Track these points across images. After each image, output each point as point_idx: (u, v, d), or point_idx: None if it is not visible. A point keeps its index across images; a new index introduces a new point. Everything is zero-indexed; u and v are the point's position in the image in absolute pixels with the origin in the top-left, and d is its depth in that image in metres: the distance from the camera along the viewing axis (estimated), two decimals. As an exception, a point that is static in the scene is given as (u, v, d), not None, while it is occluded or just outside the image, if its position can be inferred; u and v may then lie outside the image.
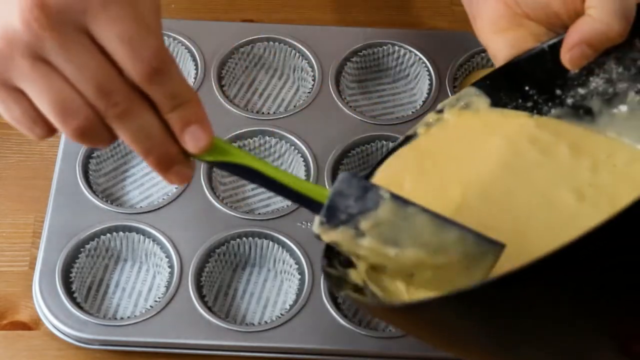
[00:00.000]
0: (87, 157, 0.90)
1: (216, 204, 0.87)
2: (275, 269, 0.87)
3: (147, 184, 0.91)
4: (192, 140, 0.63)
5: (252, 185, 0.91)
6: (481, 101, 0.77)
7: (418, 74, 0.96)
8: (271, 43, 0.96)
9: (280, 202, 0.90)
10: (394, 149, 0.76)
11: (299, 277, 0.84)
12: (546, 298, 0.57)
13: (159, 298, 0.84)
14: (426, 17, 1.02)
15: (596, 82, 0.76)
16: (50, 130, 0.63)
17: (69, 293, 0.83)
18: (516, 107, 0.77)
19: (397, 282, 0.69)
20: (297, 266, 0.85)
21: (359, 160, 0.91)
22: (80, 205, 0.87)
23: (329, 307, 0.83)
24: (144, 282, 0.86)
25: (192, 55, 0.96)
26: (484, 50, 0.95)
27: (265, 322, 0.83)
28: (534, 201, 0.71)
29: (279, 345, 0.82)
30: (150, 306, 0.84)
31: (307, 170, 0.89)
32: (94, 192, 0.88)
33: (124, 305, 0.85)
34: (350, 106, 0.94)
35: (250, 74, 0.97)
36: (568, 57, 0.74)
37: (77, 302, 0.83)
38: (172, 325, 0.82)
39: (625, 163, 0.73)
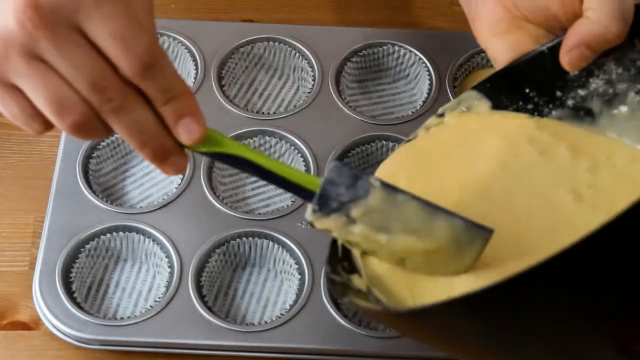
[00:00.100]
0: (87, 157, 0.90)
1: (216, 204, 0.87)
2: (275, 269, 0.87)
3: (147, 184, 0.91)
4: (185, 132, 0.65)
5: (252, 185, 0.91)
6: (482, 104, 0.77)
7: (418, 74, 0.96)
8: (271, 43, 0.96)
9: (280, 202, 0.90)
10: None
11: (299, 277, 0.84)
12: (548, 300, 0.57)
13: (159, 298, 0.84)
14: (426, 17, 1.02)
15: (596, 83, 0.76)
16: (48, 126, 0.65)
17: (69, 293, 0.83)
18: (517, 110, 0.77)
19: (401, 287, 0.69)
20: (297, 266, 0.85)
21: (359, 160, 0.91)
22: (80, 205, 0.87)
23: (329, 307, 0.83)
24: (144, 282, 0.86)
25: (192, 55, 0.96)
26: (484, 51, 0.96)
27: (265, 322, 0.83)
28: (533, 202, 0.71)
29: (279, 345, 0.82)
30: (150, 306, 0.84)
31: (307, 170, 0.89)
32: (94, 192, 0.88)
33: (124, 305, 0.85)
34: (350, 106, 0.94)
35: (250, 74, 0.97)
36: (567, 59, 0.74)
37: (77, 302, 0.83)
38: (172, 325, 0.82)
39: (626, 163, 0.73)
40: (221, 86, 0.95)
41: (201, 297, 0.83)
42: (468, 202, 0.73)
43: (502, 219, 0.70)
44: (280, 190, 0.90)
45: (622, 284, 0.57)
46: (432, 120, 0.78)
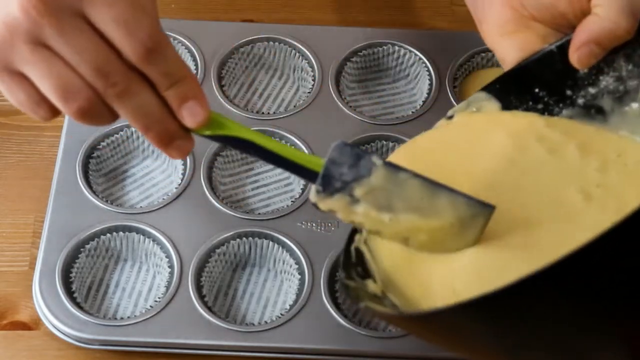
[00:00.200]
0: (87, 157, 0.90)
1: (216, 204, 0.87)
2: (275, 269, 0.87)
3: (147, 184, 0.91)
4: (189, 116, 0.65)
5: (252, 186, 0.91)
6: (492, 105, 0.77)
7: (418, 74, 0.96)
8: (271, 43, 0.96)
9: (280, 202, 0.90)
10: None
11: (299, 277, 0.84)
12: (560, 302, 0.57)
13: (159, 298, 0.84)
14: (426, 17, 1.02)
15: (606, 81, 0.76)
16: (54, 112, 0.65)
17: (69, 293, 0.83)
18: (527, 110, 0.77)
19: (413, 288, 0.69)
20: (297, 266, 0.85)
21: (359, 160, 0.91)
22: (80, 205, 0.87)
23: (329, 307, 0.83)
24: (144, 282, 0.86)
25: (192, 55, 0.96)
26: (484, 50, 0.96)
27: (265, 322, 0.83)
28: (541, 200, 0.71)
29: (279, 345, 0.82)
30: (150, 306, 0.84)
31: (307, 170, 0.89)
32: (94, 192, 0.88)
33: (124, 305, 0.85)
34: (350, 106, 0.94)
35: (250, 74, 0.97)
36: (576, 57, 0.74)
37: (77, 302, 0.83)
38: (172, 325, 0.82)
39: (636, 162, 0.73)
40: (221, 86, 0.95)
41: (201, 297, 0.83)
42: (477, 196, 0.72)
43: (510, 217, 0.70)
44: (281, 190, 0.90)
45: (633, 284, 0.57)
46: (441, 122, 0.78)
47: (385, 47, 0.97)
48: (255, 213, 0.89)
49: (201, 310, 0.82)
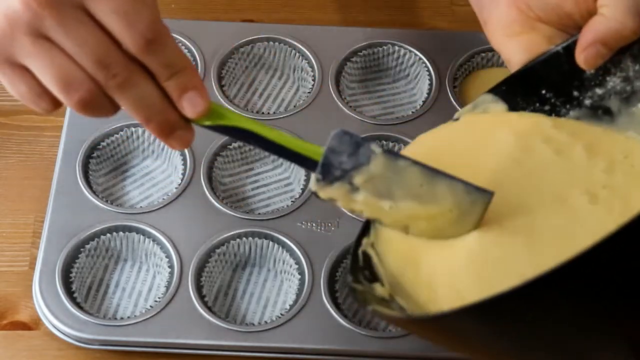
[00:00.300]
0: (87, 157, 0.90)
1: (216, 204, 0.87)
2: (275, 269, 0.87)
3: (147, 184, 0.91)
4: (189, 106, 0.66)
5: (252, 186, 0.91)
6: (498, 107, 0.77)
7: (418, 74, 0.96)
8: (271, 43, 0.97)
9: (280, 202, 0.90)
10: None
11: (299, 277, 0.84)
12: (562, 304, 0.57)
13: (159, 298, 0.84)
14: (426, 17, 1.02)
15: (613, 81, 0.75)
16: (55, 104, 0.66)
17: (69, 293, 0.83)
18: (534, 111, 0.77)
19: (419, 290, 0.69)
20: (297, 266, 0.85)
21: (359, 160, 0.91)
22: (80, 205, 0.87)
23: (329, 307, 0.83)
24: (144, 282, 0.86)
25: (192, 55, 0.96)
26: (484, 50, 0.96)
27: (265, 322, 0.83)
28: (547, 201, 0.71)
29: (279, 345, 0.82)
30: (150, 306, 0.84)
31: (307, 170, 0.89)
32: (94, 192, 0.88)
33: (124, 305, 0.85)
34: (350, 106, 0.94)
35: (250, 74, 0.97)
36: (583, 58, 0.73)
37: (77, 302, 0.83)
38: (172, 325, 0.82)
39: None
40: (221, 86, 0.95)
41: (201, 297, 0.83)
42: None
43: (514, 218, 0.70)
44: (281, 190, 0.90)
45: (635, 285, 0.57)
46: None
47: (385, 47, 0.97)
48: (255, 213, 0.89)
49: (201, 310, 0.82)
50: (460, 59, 0.96)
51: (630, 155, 0.73)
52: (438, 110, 0.91)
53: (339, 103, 0.93)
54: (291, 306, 0.83)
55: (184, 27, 0.97)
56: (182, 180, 0.89)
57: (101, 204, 0.87)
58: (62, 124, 0.92)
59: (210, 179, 0.89)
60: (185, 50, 0.96)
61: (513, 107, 0.77)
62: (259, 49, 0.97)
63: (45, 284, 0.83)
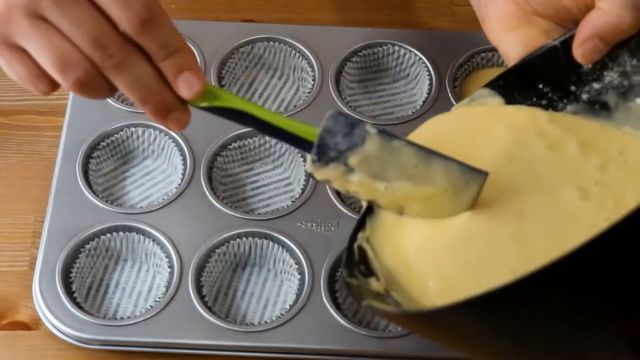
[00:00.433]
0: (87, 157, 0.90)
1: (216, 204, 0.87)
2: (275, 269, 0.87)
3: (147, 184, 0.91)
4: (185, 87, 0.66)
5: (252, 186, 0.91)
6: (495, 101, 0.77)
7: (418, 74, 0.96)
8: (271, 43, 0.97)
9: (280, 202, 0.90)
10: None
11: (299, 277, 0.84)
12: (555, 301, 0.57)
13: (159, 298, 0.84)
14: (426, 17, 1.02)
15: (611, 76, 0.75)
16: (53, 86, 0.66)
17: (69, 293, 0.83)
18: (531, 106, 0.77)
19: (414, 284, 0.69)
20: (297, 266, 0.85)
21: (359, 160, 0.91)
22: (80, 205, 0.87)
23: (329, 307, 0.83)
24: (144, 282, 0.86)
25: (192, 55, 0.95)
26: (484, 50, 0.96)
27: (265, 322, 0.83)
28: (538, 196, 0.71)
29: (279, 345, 0.82)
30: (150, 306, 0.84)
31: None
32: (94, 192, 0.88)
33: (124, 305, 0.85)
34: (350, 106, 0.94)
35: (250, 74, 0.97)
36: (580, 52, 0.73)
37: (77, 302, 0.83)
38: (172, 325, 0.82)
39: (638, 160, 0.72)
40: (221, 86, 0.95)
41: (201, 297, 0.83)
42: None
43: (504, 214, 0.70)
44: (281, 190, 0.90)
45: (629, 282, 0.57)
46: None
47: (385, 47, 0.97)
48: (255, 213, 0.89)
49: (201, 310, 0.82)
50: (460, 59, 0.96)
51: (625, 152, 0.73)
52: (438, 110, 0.91)
53: (339, 103, 0.93)
54: (291, 306, 0.83)
55: (184, 27, 0.96)
56: (182, 180, 0.89)
57: (101, 204, 0.87)
58: (62, 124, 0.92)
59: (210, 179, 0.89)
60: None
61: (510, 101, 0.77)
62: (259, 49, 0.97)
63: (45, 284, 0.83)
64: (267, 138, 0.91)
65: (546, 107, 0.77)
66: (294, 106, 0.94)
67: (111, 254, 0.87)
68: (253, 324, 0.83)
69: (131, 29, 0.64)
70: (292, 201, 0.89)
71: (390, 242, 0.71)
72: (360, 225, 0.72)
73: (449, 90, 0.94)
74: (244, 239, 0.86)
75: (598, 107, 0.76)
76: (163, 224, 0.86)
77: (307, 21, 1.00)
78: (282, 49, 0.96)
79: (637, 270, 0.57)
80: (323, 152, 0.68)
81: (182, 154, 0.90)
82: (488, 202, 0.70)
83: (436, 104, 0.93)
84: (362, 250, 0.71)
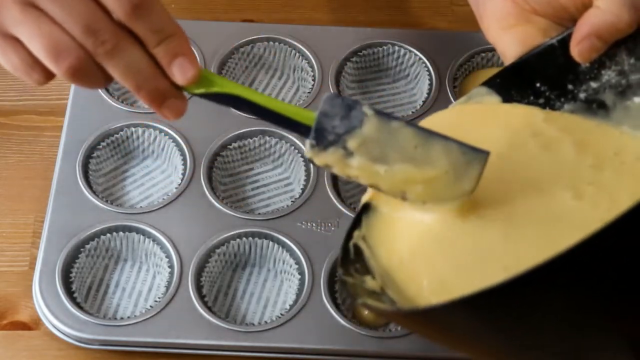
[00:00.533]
0: (87, 157, 0.90)
1: (216, 204, 0.87)
2: (275, 269, 0.87)
3: (147, 184, 0.91)
4: (179, 72, 0.66)
5: (252, 186, 0.91)
6: (492, 100, 0.77)
7: (418, 74, 0.96)
8: (271, 43, 0.97)
9: (280, 202, 0.90)
10: None
11: (299, 277, 0.84)
12: (549, 300, 0.57)
13: (159, 298, 0.84)
14: (426, 17, 1.02)
15: (608, 75, 0.75)
16: (48, 76, 0.66)
17: (69, 293, 0.83)
18: (528, 105, 0.77)
19: (409, 283, 0.69)
20: (297, 266, 0.85)
21: (359, 160, 0.91)
22: (80, 205, 0.87)
23: (329, 307, 0.83)
24: (144, 282, 0.86)
25: (192, 55, 0.95)
26: (484, 51, 0.96)
27: (265, 322, 0.83)
28: (529, 194, 0.71)
29: (279, 345, 0.82)
30: (150, 306, 0.84)
31: (307, 170, 0.89)
32: (94, 192, 0.88)
33: (124, 305, 0.85)
34: (350, 106, 0.94)
35: (250, 74, 0.97)
36: (578, 51, 0.73)
37: (77, 302, 0.83)
38: (172, 325, 0.82)
39: (634, 160, 0.72)
40: (221, 86, 0.94)
41: (201, 297, 0.83)
42: None
43: (495, 214, 0.70)
44: (281, 190, 0.90)
45: (627, 281, 0.57)
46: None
47: (385, 47, 0.97)
48: (255, 213, 0.89)
49: (201, 310, 0.82)
50: (460, 59, 0.96)
51: (621, 152, 0.73)
52: (438, 110, 0.91)
53: (339, 103, 0.93)
54: (291, 306, 0.83)
55: (184, 27, 0.96)
56: (182, 180, 0.89)
57: (101, 204, 0.87)
58: (62, 124, 0.92)
59: (210, 179, 0.89)
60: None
61: (507, 99, 0.77)
62: (259, 49, 0.97)
63: (45, 284, 0.83)
64: (267, 138, 0.91)
65: (543, 106, 0.76)
66: (294, 106, 0.94)
67: (111, 254, 0.87)
68: (253, 324, 0.83)
69: (123, 14, 0.63)
70: (292, 201, 0.89)
71: (385, 241, 0.71)
72: (356, 223, 0.72)
73: (449, 90, 0.94)
74: (244, 239, 0.86)
75: (596, 106, 0.76)
76: (163, 224, 0.86)
77: (307, 21, 1.00)
78: (282, 49, 0.96)
79: (634, 268, 0.57)
80: (321, 136, 0.67)
81: (182, 154, 0.90)
82: (479, 201, 0.70)
83: (436, 104, 0.93)
84: (357, 249, 0.71)
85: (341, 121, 0.67)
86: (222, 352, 0.82)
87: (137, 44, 0.65)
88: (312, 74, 0.95)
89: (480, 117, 0.76)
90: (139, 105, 0.93)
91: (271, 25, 0.98)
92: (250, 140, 0.91)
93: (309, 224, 0.87)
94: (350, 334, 0.82)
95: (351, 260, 0.70)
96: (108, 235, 0.86)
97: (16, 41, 0.65)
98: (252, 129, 0.91)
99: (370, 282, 0.69)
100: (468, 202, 0.70)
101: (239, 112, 0.92)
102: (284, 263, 0.86)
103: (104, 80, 0.66)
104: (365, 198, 0.73)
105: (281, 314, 0.83)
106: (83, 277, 0.85)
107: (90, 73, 0.65)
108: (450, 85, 0.94)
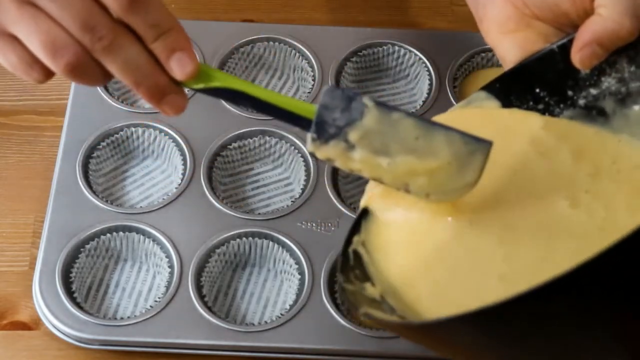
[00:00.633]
0: (87, 157, 0.90)
1: (216, 204, 0.87)
2: (275, 269, 0.87)
3: (147, 184, 0.91)
4: (178, 67, 0.65)
5: (252, 186, 0.91)
6: (492, 104, 0.77)
7: (418, 74, 0.96)
8: (271, 43, 0.97)
9: (280, 202, 0.90)
10: None
11: (299, 277, 0.84)
12: (549, 318, 0.57)
13: (159, 298, 0.84)
14: (426, 17, 1.02)
15: (608, 82, 0.75)
16: (47, 74, 0.66)
17: (69, 293, 0.83)
18: (527, 110, 0.76)
19: (408, 293, 0.69)
20: (297, 266, 0.85)
21: (359, 160, 0.91)
22: (80, 205, 0.87)
23: (329, 307, 0.83)
24: (144, 282, 0.86)
25: (192, 55, 0.95)
26: (484, 51, 0.96)
27: (265, 322, 0.83)
28: (525, 202, 0.70)
29: (279, 345, 0.82)
30: (150, 306, 0.84)
31: (307, 170, 0.89)
32: (94, 192, 0.88)
33: (124, 305, 0.85)
34: (350, 106, 0.94)
35: (250, 74, 0.97)
36: (579, 57, 0.73)
37: (77, 302, 0.83)
38: (172, 325, 0.82)
39: (631, 168, 0.72)
40: (221, 86, 0.94)
41: (201, 297, 0.83)
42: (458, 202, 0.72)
43: (491, 223, 0.70)
44: (281, 190, 0.90)
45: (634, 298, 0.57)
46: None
47: (385, 47, 0.97)
48: (255, 213, 0.89)
49: (201, 310, 0.82)
50: (460, 59, 0.96)
51: (619, 161, 0.72)
52: (438, 110, 0.91)
53: (339, 103, 0.93)
54: (291, 306, 0.83)
55: (184, 27, 0.96)
56: (182, 180, 0.89)
57: (101, 204, 0.87)
58: (62, 124, 0.92)
59: (210, 179, 0.89)
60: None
61: (507, 104, 0.77)
62: (259, 49, 0.97)
63: (45, 284, 0.83)
64: (267, 138, 0.91)
65: (543, 112, 0.76)
66: (294, 106, 0.94)
67: (111, 254, 0.87)
68: (253, 324, 0.83)
69: (119, 9, 0.63)
70: (292, 201, 0.89)
71: (383, 246, 0.71)
72: (356, 228, 0.72)
73: (448, 90, 0.94)
74: (244, 239, 0.86)
75: (595, 113, 0.75)
76: (163, 224, 0.86)
77: (307, 21, 1.00)
78: (282, 49, 0.96)
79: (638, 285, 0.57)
80: (322, 129, 0.67)
81: (182, 154, 0.90)
82: (473, 208, 0.70)
83: (436, 104, 0.93)
84: (357, 255, 0.71)
85: (342, 113, 0.66)
86: (222, 352, 0.82)
87: (135, 39, 0.65)
88: (312, 74, 0.95)
89: (479, 122, 0.76)
90: (139, 105, 0.93)
91: (271, 25, 0.98)
92: (250, 140, 0.91)
93: (309, 224, 0.87)
94: (350, 334, 0.82)
95: (351, 267, 0.70)
96: (108, 235, 0.86)
97: (14, 39, 0.65)
98: (252, 129, 0.91)
99: (370, 289, 0.69)
100: (465, 207, 0.69)
101: (239, 112, 0.92)
102: (284, 263, 0.86)
103: (103, 77, 0.66)
104: (363, 202, 0.73)
105: (281, 314, 0.83)
106: (83, 277, 0.85)
107: (88, 69, 0.65)
108: (450, 86, 0.94)
